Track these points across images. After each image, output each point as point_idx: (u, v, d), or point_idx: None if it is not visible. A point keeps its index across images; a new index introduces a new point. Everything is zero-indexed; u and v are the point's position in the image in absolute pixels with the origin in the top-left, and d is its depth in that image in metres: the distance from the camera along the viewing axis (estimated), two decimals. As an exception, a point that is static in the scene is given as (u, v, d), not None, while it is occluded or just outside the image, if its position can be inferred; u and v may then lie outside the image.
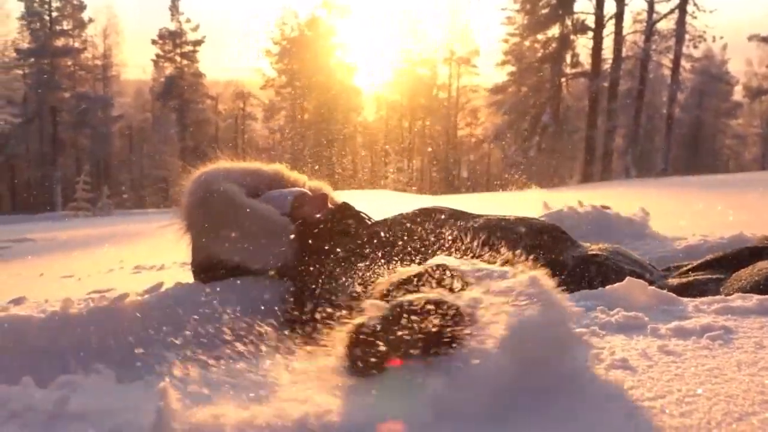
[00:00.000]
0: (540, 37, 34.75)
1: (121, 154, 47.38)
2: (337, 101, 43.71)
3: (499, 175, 40.48)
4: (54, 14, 43.41)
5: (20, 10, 43.19)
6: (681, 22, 29.40)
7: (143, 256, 5.87)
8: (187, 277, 2.48)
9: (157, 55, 46.57)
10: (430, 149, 48.58)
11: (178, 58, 46.18)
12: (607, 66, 31.53)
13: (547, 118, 33.39)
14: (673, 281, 2.12)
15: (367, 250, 2.08)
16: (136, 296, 2.18)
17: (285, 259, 2.27)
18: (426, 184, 45.37)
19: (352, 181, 40.97)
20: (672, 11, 29.76)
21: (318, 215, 2.39)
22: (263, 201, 2.42)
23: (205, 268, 2.35)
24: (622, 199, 8.12)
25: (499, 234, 2.08)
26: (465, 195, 14.17)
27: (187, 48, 46.20)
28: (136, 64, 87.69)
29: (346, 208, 2.45)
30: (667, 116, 32.93)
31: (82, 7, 44.11)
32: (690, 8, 29.15)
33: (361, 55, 52.54)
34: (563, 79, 34.36)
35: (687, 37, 29.62)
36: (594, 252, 2.16)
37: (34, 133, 42.91)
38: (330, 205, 2.48)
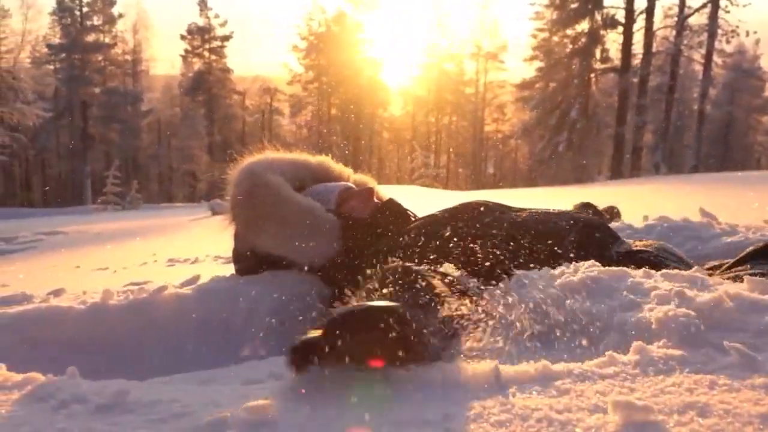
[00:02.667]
0: (569, 32, 34.34)
1: (149, 148, 47.89)
2: (363, 96, 43.76)
3: (527, 171, 40.23)
4: (85, 10, 44.04)
5: (52, 6, 44.01)
6: (713, 17, 28.87)
7: (175, 249, 5.89)
8: (222, 270, 2.48)
9: (186, 51, 47.05)
10: (456, 145, 48.44)
11: (206, 54, 46.58)
12: (637, 61, 31.07)
13: (576, 114, 33.01)
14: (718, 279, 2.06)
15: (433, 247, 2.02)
16: (174, 288, 2.18)
17: (329, 255, 2.23)
18: (452, 180, 45.24)
19: (380, 178, 40.95)
20: (704, 5, 29.23)
21: (364, 211, 2.35)
22: (308, 195, 2.39)
23: (247, 260, 2.34)
24: (653, 195, 8.02)
25: (544, 228, 2.04)
26: (493, 191, 14.10)
27: (216, 43, 46.59)
28: (165, 59, 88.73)
29: (392, 205, 2.40)
30: (698, 112, 32.44)
31: (112, 3, 44.69)
32: (722, 2, 28.65)
33: (387, 50, 52.54)
34: (592, 75, 33.93)
35: (719, 32, 29.10)
36: (639, 248, 2.12)
37: (64, 127, 43.59)
38: (376, 200, 2.45)
